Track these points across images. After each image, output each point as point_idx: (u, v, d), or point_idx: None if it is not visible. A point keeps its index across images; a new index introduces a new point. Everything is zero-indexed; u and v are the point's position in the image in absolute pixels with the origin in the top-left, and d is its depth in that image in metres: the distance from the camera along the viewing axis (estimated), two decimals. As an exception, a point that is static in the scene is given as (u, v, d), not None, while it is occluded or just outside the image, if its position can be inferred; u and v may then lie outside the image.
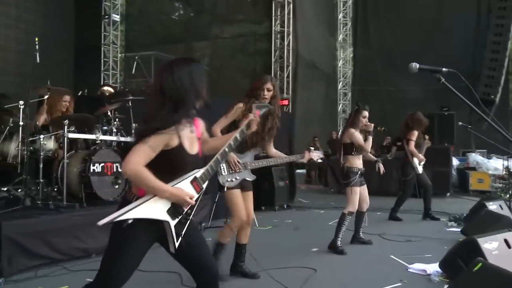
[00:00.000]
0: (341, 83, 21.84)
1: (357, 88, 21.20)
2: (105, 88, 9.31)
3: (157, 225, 2.45)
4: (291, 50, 17.52)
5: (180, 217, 2.50)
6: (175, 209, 2.47)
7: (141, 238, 2.44)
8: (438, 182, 10.53)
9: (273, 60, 17.63)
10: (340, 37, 21.88)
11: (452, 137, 12.22)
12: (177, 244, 2.48)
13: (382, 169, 6.10)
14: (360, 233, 6.26)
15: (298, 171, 15.38)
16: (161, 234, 2.49)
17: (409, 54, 18.71)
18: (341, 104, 21.73)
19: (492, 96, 16.28)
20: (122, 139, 6.66)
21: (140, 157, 2.35)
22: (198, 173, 2.55)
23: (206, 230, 7.01)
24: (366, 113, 5.91)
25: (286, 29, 17.36)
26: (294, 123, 16.86)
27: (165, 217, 2.45)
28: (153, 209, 2.40)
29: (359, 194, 5.81)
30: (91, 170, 5.81)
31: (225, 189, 4.21)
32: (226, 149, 2.69)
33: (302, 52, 18.24)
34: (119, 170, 6.11)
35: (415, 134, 7.89)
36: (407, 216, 8.43)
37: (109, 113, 6.87)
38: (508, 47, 16.84)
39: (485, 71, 16.63)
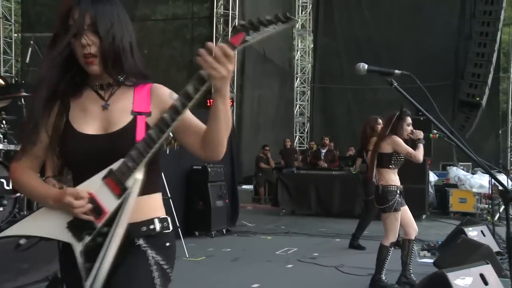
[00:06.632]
0: (298, 79, 21.99)
1: (317, 86, 21.39)
2: (-8, 79, 8.93)
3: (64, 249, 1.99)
4: (237, 38, 17.44)
5: (90, 236, 1.94)
6: (78, 223, 1.93)
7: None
8: (412, 202, 10.20)
9: (214, 49, 17.51)
10: (298, 23, 22.00)
11: (429, 147, 12.36)
12: (87, 285, 1.90)
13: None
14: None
15: (243, 187, 15.35)
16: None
17: (382, 45, 19.27)
18: (298, 105, 21.83)
19: (478, 98, 16.59)
20: (11, 147, 6.38)
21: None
22: (115, 164, 1.94)
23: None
24: (410, 120, 5.93)
25: (231, 11, 17.26)
26: (241, 129, 16.92)
27: (64, 236, 1.94)
28: (44, 222, 1.95)
29: (403, 218, 5.78)
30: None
31: None
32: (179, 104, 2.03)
33: (251, 40, 18.18)
34: (5, 187, 5.88)
35: (373, 142, 7.96)
36: (372, 244, 8.32)
37: (-5, 113, 6.60)
38: (497, 39, 17.02)
39: (470, 68, 16.87)
